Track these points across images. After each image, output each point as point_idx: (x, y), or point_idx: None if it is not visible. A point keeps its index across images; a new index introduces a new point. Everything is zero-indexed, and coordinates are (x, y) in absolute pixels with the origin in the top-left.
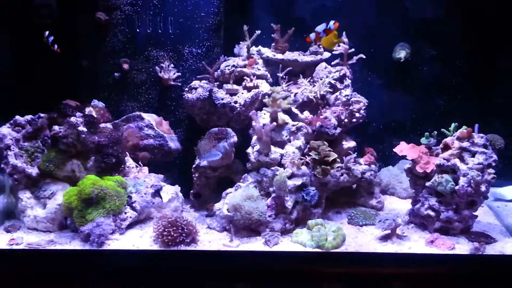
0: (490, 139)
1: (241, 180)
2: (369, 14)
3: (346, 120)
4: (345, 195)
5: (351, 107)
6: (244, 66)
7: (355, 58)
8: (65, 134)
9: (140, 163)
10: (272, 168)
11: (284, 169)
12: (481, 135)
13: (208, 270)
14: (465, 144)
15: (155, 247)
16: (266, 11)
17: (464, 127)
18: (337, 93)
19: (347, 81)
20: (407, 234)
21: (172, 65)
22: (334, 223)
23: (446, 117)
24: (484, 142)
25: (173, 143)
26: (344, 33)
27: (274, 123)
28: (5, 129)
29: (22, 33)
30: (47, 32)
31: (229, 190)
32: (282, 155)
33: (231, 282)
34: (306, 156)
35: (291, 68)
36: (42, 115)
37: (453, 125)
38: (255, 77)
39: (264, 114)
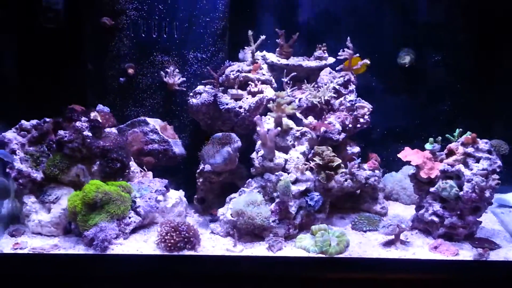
0: (494, 144)
1: (245, 185)
2: (373, 19)
3: (350, 125)
4: (349, 201)
5: (355, 113)
6: (249, 71)
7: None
8: (70, 139)
9: (144, 168)
10: (276, 173)
11: (288, 174)
12: (486, 140)
13: (211, 275)
14: (470, 149)
15: (159, 252)
16: (271, 16)
17: (468, 132)
18: (342, 98)
19: (352, 86)
20: (411, 240)
21: (177, 70)
22: (338, 228)
23: (451, 123)
24: (489, 148)
25: (178, 148)
26: (348, 38)
27: (279, 128)
28: (11, 134)
29: (28, 37)
30: None
31: (233, 195)
32: (286, 160)
33: (235, 287)
34: (310, 162)
35: (295, 73)
36: (47, 119)
37: (457, 130)
38: (260, 82)
39: (269, 119)
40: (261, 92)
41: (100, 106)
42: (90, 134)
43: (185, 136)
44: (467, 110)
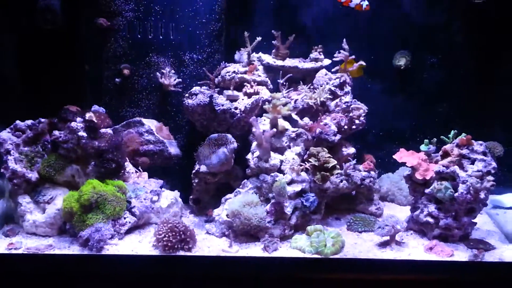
0: (489, 146)
1: (241, 186)
2: (369, 21)
3: (346, 126)
4: (344, 202)
5: (351, 114)
6: (245, 73)
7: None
8: (65, 139)
9: (139, 168)
10: (272, 174)
11: (283, 175)
12: (481, 142)
13: (207, 276)
14: (465, 151)
15: (154, 252)
16: (267, 18)
17: (463, 134)
18: (337, 100)
19: (347, 88)
20: (406, 241)
21: (173, 71)
22: (333, 229)
23: (446, 124)
24: (484, 149)
25: (173, 149)
26: (344, 40)
27: (274, 130)
28: (5, 134)
29: (24, 38)
30: None
31: (228, 196)
32: (281, 161)
33: (230, 287)
34: (306, 163)
35: (291, 74)
36: (42, 120)
37: (452, 132)
38: (256, 83)
39: (264, 120)
40: (257, 93)
41: (95, 107)
42: (85, 134)
43: (180, 137)
44: (462, 112)
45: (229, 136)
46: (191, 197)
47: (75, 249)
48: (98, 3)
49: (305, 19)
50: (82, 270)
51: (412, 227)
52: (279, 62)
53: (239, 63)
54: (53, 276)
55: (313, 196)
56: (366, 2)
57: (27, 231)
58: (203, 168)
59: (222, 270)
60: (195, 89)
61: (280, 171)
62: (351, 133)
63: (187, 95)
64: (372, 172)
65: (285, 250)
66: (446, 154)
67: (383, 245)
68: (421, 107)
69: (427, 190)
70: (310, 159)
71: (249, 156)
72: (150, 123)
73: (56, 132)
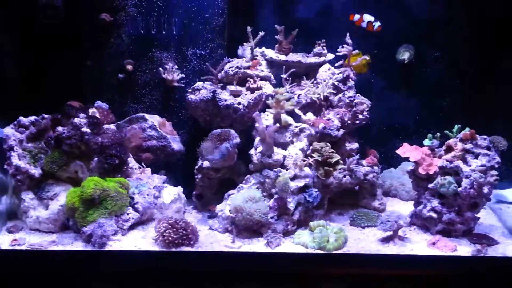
0: (493, 141)
1: (244, 181)
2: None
3: (349, 121)
4: (347, 197)
5: (354, 109)
6: (248, 68)
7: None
8: (69, 135)
9: (143, 164)
10: (275, 169)
11: (286, 170)
12: (484, 136)
13: (209, 271)
14: (468, 145)
15: (157, 248)
16: (270, 13)
17: (467, 128)
18: (341, 95)
19: (351, 83)
20: (409, 236)
21: (175, 66)
22: (336, 224)
23: (449, 119)
24: (487, 144)
25: (176, 144)
26: (347, 34)
27: (277, 125)
28: (9, 130)
29: (27, 33)
30: None
31: (231, 191)
32: (285, 157)
33: (233, 283)
34: (309, 158)
35: (294, 69)
36: (45, 116)
37: (456, 126)
38: (259, 78)
39: (268, 115)
40: (260, 88)
41: (98, 103)
42: (88, 130)
43: (183, 132)
44: (466, 106)
45: (232, 131)
46: (194, 192)
47: (78, 245)
48: None
49: (308, 14)
50: (85, 266)
51: (415, 222)
52: (282, 57)
53: (242, 58)
54: (56, 272)
55: (316, 191)
56: (378, 23)
57: (30, 227)
58: (206, 164)
59: (225, 265)
60: (198, 84)
61: (283, 166)
62: (355, 128)
63: (190, 90)
64: (375, 167)
65: (288, 246)
66: (449, 149)
67: (386, 240)
68: (425, 102)
69: (430, 185)
70: (313, 154)
71: (252, 151)
72: (153, 119)
73: (60, 128)
